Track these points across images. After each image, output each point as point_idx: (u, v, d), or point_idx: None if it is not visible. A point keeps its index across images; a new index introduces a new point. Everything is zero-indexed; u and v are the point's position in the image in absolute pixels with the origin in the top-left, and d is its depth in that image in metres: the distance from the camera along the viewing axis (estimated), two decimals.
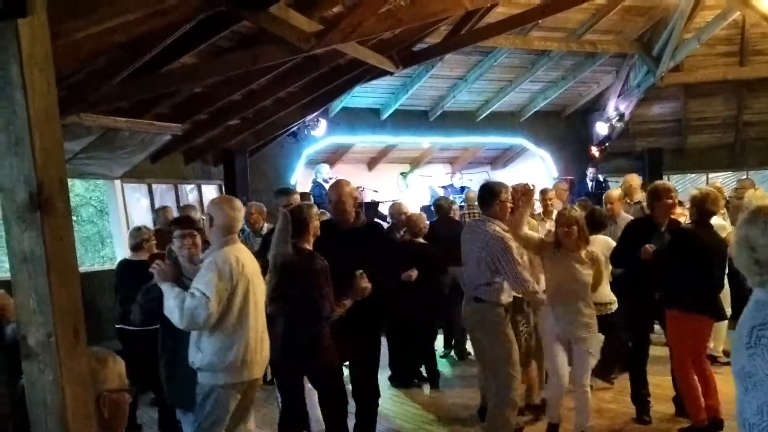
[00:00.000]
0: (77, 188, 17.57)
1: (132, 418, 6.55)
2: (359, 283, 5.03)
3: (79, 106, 7.39)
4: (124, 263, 6.81)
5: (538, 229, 6.93)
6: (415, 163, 15.34)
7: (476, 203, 7.19)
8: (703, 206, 5.65)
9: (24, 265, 1.76)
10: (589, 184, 13.25)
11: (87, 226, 18.73)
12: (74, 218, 17.52)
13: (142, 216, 10.49)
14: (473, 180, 14.36)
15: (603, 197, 8.19)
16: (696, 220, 5.73)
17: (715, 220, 6.28)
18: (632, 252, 5.82)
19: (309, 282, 4.71)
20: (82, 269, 10.54)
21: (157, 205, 10.78)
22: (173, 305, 4.17)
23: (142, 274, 6.52)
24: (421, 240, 7.58)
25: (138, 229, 6.90)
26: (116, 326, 6.60)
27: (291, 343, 4.80)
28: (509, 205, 5.36)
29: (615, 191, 8.11)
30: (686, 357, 5.68)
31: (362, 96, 12.38)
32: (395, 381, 7.72)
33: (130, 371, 6.56)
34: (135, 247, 6.66)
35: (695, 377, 5.63)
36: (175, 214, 8.53)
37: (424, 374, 7.86)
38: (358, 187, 12.13)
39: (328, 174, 11.52)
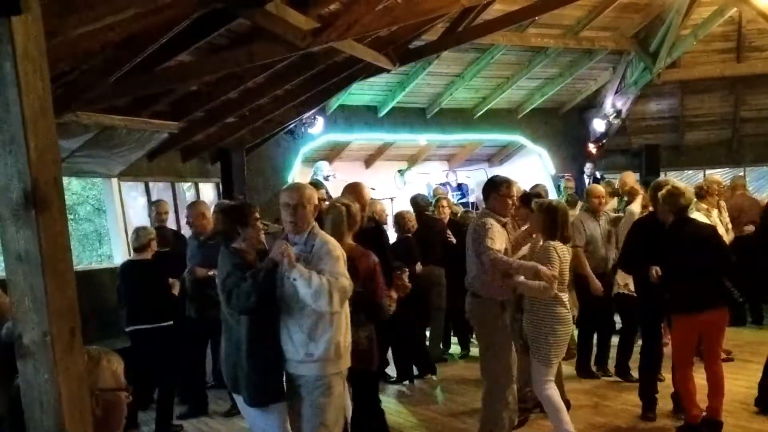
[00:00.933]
0: (74, 186, 17.57)
1: (133, 418, 6.56)
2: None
3: (75, 104, 7.36)
4: (130, 264, 6.79)
5: None
6: (412, 160, 15.33)
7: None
8: (676, 205, 5.60)
9: (19, 263, 1.76)
10: (587, 180, 13.27)
11: (84, 225, 18.72)
12: (71, 217, 17.51)
13: (139, 214, 10.49)
14: (470, 177, 14.37)
15: (585, 191, 8.16)
16: (675, 219, 5.66)
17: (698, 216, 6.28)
18: (640, 254, 5.82)
19: (370, 278, 4.64)
20: (79, 268, 10.54)
21: None
22: (320, 288, 3.96)
23: (148, 274, 6.57)
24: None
25: (143, 229, 6.86)
26: (127, 329, 6.59)
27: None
28: (509, 201, 5.35)
29: (598, 186, 8.02)
30: (681, 355, 5.68)
31: (359, 93, 12.36)
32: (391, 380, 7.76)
33: (144, 371, 6.57)
34: (140, 248, 6.62)
35: (691, 376, 5.64)
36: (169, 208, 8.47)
37: (416, 371, 7.87)
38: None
39: (328, 171, 11.49)
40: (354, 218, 4.80)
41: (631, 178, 8.73)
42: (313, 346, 4.09)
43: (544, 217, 5.29)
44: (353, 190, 5.45)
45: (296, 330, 4.12)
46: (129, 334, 6.61)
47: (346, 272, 4.11)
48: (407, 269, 5.59)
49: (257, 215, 4.51)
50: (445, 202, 9.15)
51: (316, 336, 4.10)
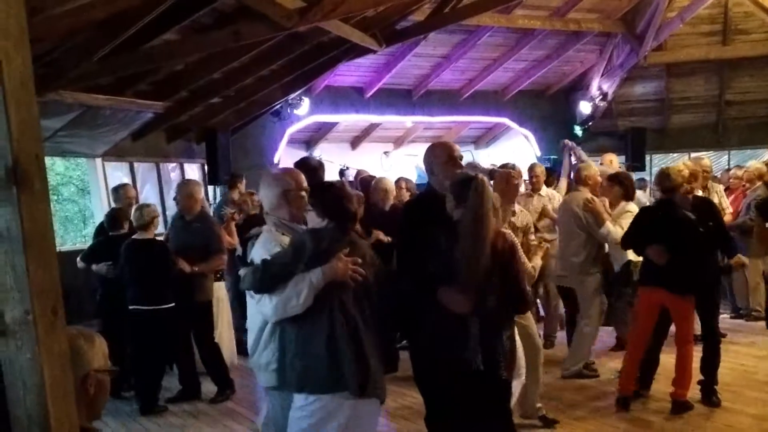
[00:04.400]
0: (58, 167, 17.47)
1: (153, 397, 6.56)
2: None
3: (58, 83, 7.30)
4: (132, 243, 6.57)
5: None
6: (398, 142, 15.31)
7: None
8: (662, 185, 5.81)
9: (0, 241, 1.74)
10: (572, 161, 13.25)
11: (68, 206, 18.64)
12: (55, 197, 17.42)
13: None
14: None
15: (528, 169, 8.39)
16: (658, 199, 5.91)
17: None
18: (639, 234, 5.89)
19: (510, 260, 4.01)
20: (63, 248, 10.48)
21: (139, 184, 10.72)
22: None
23: (151, 254, 6.43)
24: None
25: (147, 206, 6.72)
26: (130, 307, 6.45)
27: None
28: None
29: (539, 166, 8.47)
30: (637, 330, 5.96)
31: (346, 74, 12.30)
32: None
33: (144, 352, 6.47)
34: (144, 226, 6.49)
35: (638, 359, 5.91)
36: (136, 192, 8.32)
37: None
38: (345, 168, 12.17)
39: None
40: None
41: (610, 159, 8.77)
42: None
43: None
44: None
45: None
46: (129, 314, 6.50)
47: None
48: None
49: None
50: (403, 184, 9.14)
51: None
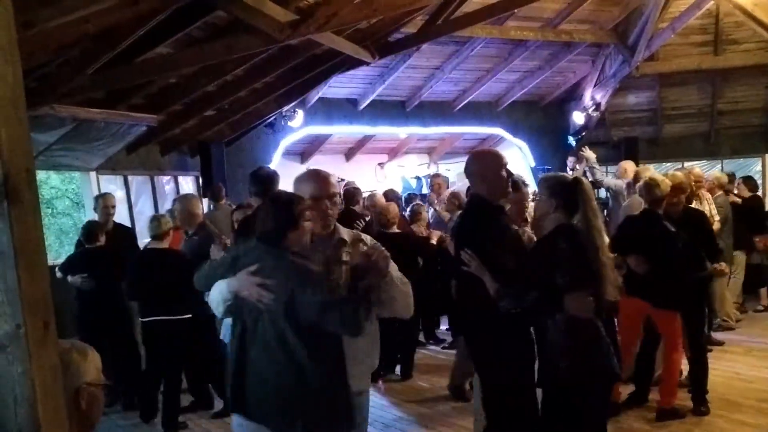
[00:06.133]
0: (53, 180, 17.43)
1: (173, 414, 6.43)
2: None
3: (52, 96, 7.29)
4: (147, 253, 6.49)
5: None
6: (392, 153, 15.33)
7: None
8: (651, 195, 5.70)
9: None
10: (570, 173, 13.26)
11: (63, 219, 18.58)
12: (50, 211, 17.38)
13: (118, 208, 10.39)
14: (451, 170, 14.39)
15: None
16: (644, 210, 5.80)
17: None
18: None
19: None
20: (57, 262, 10.43)
21: (133, 197, 10.72)
22: (407, 290, 3.42)
23: (170, 264, 6.23)
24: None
25: (163, 216, 6.64)
26: (145, 319, 6.34)
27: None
28: None
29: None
30: (624, 338, 5.93)
31: (339, 86, 12.33)
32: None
33: (158, 364, 6.27)
34: (159, 236, 6.36)
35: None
36: (116, 201, 8.24)
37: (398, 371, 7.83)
38: (340, 180, 12.19)
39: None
40: None
41: (631, 165, 8.81)
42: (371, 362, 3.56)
43: None
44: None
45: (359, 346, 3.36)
46: (143, 327, 6.41)
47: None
48: None
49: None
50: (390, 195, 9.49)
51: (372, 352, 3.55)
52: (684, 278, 5.69)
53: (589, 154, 9.69)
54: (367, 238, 3.54)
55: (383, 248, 3.31)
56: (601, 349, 3.74)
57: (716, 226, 8.00)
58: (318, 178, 3.54)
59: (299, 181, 3.57)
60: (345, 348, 3.24)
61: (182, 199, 7.08)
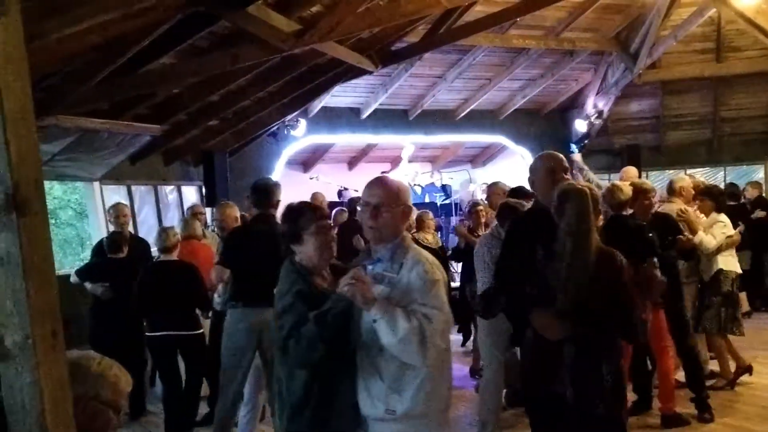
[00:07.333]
0: (56, 191, 17.49)
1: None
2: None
3: (56, 107, 7.33)
4: (156, 266, 6.40)
5: None
6: (395, 162, 15.35)
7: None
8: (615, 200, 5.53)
9: (0, 266, 1.75)
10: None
11: (66, 229, 18.65)
12: (53, 221, 17.42)
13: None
14: (453, 179, 14.40)
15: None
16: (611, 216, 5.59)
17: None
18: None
19: (616, 285, 3.51)
20: (61, 272, 10.45)
21: (137, 207, 10.73)
22: (407, 336, 2.81)
23: (180, 277, 6.14)
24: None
25: (171, 228, 6.57)
26: (155, 334, 6.15)
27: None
28: None
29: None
30: None
31: (342, 95, 12.36)
32: None
33: (175, 385, 6.16)
34: (167, 249, 6.25)
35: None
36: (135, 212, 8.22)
37: None
38: (343, 189, 12.21)
39: None
40: (599, 206, 3.77)
41: (634, 172, 8.76)
42: (397, 399, 2.93)
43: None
44: None
45: (374, 377, 2.97)
46: (149, 341, 6.27)
47: (446, 301, 2.98)
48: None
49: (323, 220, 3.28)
50: None
51: (403, 386, 2.93)
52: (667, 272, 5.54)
53: (575, 156, 9.64)
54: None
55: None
56: (550, 373, 3.43)
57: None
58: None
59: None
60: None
61: (223, 205, 7.01)
